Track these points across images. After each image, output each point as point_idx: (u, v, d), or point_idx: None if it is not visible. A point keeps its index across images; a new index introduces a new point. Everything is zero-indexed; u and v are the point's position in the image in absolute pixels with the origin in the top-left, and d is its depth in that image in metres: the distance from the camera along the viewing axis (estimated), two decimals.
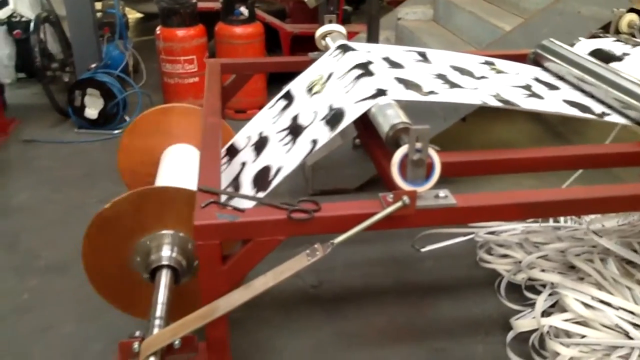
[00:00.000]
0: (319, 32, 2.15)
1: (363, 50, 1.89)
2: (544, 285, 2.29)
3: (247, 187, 1.53)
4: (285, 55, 4.04)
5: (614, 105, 1.73)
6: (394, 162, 1.25)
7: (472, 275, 2.46)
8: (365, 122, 1.54)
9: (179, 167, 1.96)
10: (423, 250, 2.58)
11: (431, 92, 1.62)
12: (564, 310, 2.07)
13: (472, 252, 2.56)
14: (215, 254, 1.25)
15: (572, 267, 2.31)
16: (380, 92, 1.50)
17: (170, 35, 3.58)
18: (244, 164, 1.68)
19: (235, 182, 1.61)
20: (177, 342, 1.30)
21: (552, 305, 2.15)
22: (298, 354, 2.01)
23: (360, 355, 2.03)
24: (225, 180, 1.65)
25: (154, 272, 1.55)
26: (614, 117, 1.72)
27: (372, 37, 2.69)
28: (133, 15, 6.42)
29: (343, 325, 2.15)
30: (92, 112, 3.64)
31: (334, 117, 1.52)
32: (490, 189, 2.81)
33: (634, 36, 2.13)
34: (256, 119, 1.89)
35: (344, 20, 4.22)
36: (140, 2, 6.05)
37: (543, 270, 2.28)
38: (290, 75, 3.49)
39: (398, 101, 1.47)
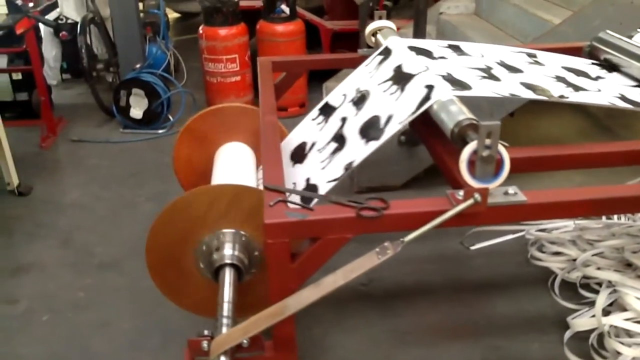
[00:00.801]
0: (369, 28, 2.14)
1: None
2: (599, 284, 2.25)
3: (353, 139, 1.56)
4: (326, 52, 4.05)
5: None
6: (462, 159, 1.24)
7: (523, 273, 2.43)
8: (425, 119, 1.53)
9: (234, 166, 1.98)
10: (472, 248, 2.56)
11: (561, 96, 1.61)
12: (623, 309, 2.03)
13: (522, 249, 2.53)
14: (284, 252, 1.26)
15: (629, 265, 2.26)
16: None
17: (213, 34, 3.61)
18: (344, 119, 1.70)
19: (338, 137, 1.63)
20: (245, 341, 1.31)
21: (610, 305, 2.11)
22: (353, 351, 2.02)
23: (415, 352, 2.03)
24: (326, 136, 1.69)
25: (218, 271, 1.56)
26: None
27: (419, 32, 2.67)
28: (171, 15, 6.51)
29: (396, 323, 2.14)
30: (137, 112, 3.71)
31: (452, 79, 1.54)
32: (541, 185, 2.76)
33: None
34: (350, 78, 1.89)
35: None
36: (179, 2, 6.13)
37: (599, 269, 2.24)
38: (330, 73, 3.52)
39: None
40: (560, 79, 1.77)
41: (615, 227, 2.44)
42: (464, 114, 1.35)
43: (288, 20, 3.68)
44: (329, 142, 1.68)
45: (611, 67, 1.94)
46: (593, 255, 2.29)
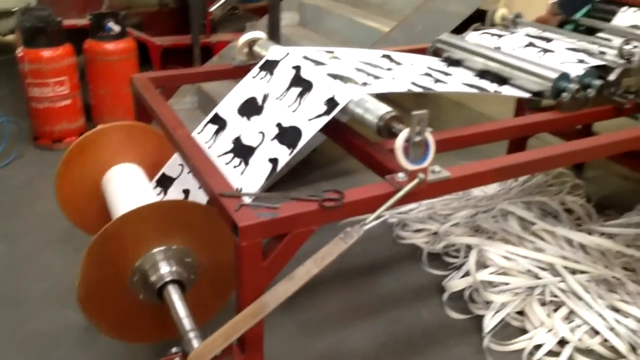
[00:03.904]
0: (241, 40, 2.21)
1: (287, 58, 1.91)
2: (457, 250, 2.62)
3: (263, 144, 1.59)
4: (156, 69, 3.97)
5: (510, 81, 2.08)
6: (398, 146, 1.41)
7: (395, 252, 2.71)
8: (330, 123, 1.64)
9: (131, 187, 1.92)
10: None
11: (365, 84, 1.76)
12: (485, 266, 2.40)
13: (388, 232, 2.82)
14: (257, 252, 1.30)
15: (476, 231, 2.68)
16: (333, 105, 1.58)
17: (37, 56, 3.31)
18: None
19: (239, 148, 1.65)
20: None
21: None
22: (274, 347, 2.06)
23: (329, 338, 2.17)
24: (223, 148, 1.69)
25: (161, 291, 1.53)
26: (509, 91, 2.05)
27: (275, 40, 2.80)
28: None
29: (304, 317, 2.26)
30: None
31: (289, 136, 1.58)
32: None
33: (507, 27, 2.54)
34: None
35: (211, 29, 4.25)
36: None
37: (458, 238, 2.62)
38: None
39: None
40: (360, 70, 2.00)
41: (469, 200, 2.86)
42: (383, 109, 1.53)
43: (118, 38, 3.54)
44: (288, 89, 1.72)
45: (453, 62, 2.29)
46: (451, 225, 2.67)
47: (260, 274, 1.33)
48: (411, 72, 2.02)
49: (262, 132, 1.66)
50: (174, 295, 1.51)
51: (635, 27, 2.54)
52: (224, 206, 1.33)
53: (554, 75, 1.95)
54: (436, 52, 2.36)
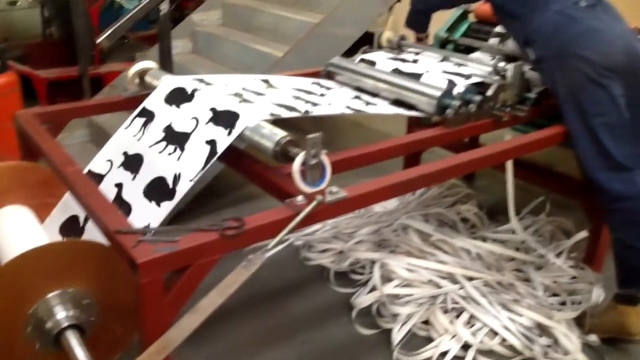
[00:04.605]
0: (132, 70, 2.17)
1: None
2: (362, 267, 2.69)
3: (139, 203, 1.57)
4: (43, 104, 3.78)
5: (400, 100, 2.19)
6: (295, 169, 1.44)
7: (302, 274, 2.73)
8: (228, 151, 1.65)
9: (19, 230, 1.81)
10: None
11: (306, 112, 1.85)
12: (389, 279, 2.48)
13: (295, 254, 2.84)
14: (158, 288, 1.27)
15: (380, 246, 2.76)
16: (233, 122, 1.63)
17: None
18: (120, 185, 1.68)
19: (119, 204, 1.61)
20: None
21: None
22: None
23: None
24: None
25: (58, 338, 1.45)
26: (389, 109, 2.13)
27: (167, 68, 2.77)
28: None
29: (214, 348, 2.22)
30: None
31: (225, 118, 1.62)
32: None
33: (393, 48, 2.66)
34: (111, 142, 1.85)
35: (101, 60, 4.12)
36: None
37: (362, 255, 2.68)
38: None
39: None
40: (297, 97, 2.09)
41: (371, 217, 2.94)
42: (279, 134, 1.55)
43: None
44: (159, 142, 1.70)
45: (344, 84, 2.37)
46: (355, 243, 2.73)
47: (163, 310, 1.30)
48: (286, 95, 2.06)
49: (195, 118, 1.68)
50: (73, 341, 1.43)
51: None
52: (121, 243, 1.30)
53: (438, 93, 2.07)
54: (329, 75, 2.43)
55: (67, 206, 1.85)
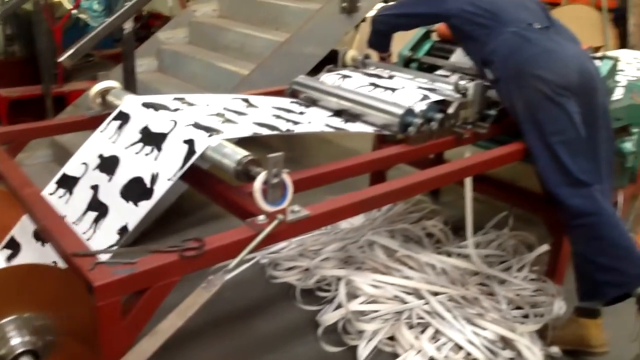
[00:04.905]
0: (93, 90, 2.15)
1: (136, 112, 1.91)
2: (328, 284, 2.69)
3: (116, 204, 1.57)
4: (5, 124, 3.71)
5: (362, 118, 2.21)
6: (256, 189, 1.44)
7: (268, 293, 2.71)
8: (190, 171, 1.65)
9: None
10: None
11: (288, 130, 1.89)
12: (355, 296, 2.48)
13: (261, 273, 2.82)
14: (115, 311, 1.25)
15: (346, 263, 2.77)
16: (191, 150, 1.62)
17: None
18: (96, 187, 1.67)
19: (96, 206, 1.62)
20: None
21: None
22: None
23: None
24: (77, 208, 1.65)
25: None
26: (354, 127, 2.15)
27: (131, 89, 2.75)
28: None
29: None
30: None
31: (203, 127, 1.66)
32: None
33: (357, 67, 2.70)
34: (85, 146, 1.85)
35: (64, 78, 4.06)
36: None
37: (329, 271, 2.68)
38: None
39: None
40: (277, 116, 2.11)
41: (337, 234, 2.95)
42: (241, 153, 1.55)
43: None
44: (84, 213, 1.67)
45: (310, 102, 2.38)
46: (322, 260, 2.73)
47: (121, 333, 1.28)
48: (260, 115, 2.08)
49: (174, 120, 1.69)
50: None
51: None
52: (78, 266, 1.28)
53: (401, 112, 2.10)
54: (293, 94, 2.44)
55: (25, 229, 1.82)
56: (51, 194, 1.80)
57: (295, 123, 2.04)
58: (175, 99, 2.11)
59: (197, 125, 1.72)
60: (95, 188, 1.71)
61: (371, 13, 3.30)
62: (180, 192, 2.92)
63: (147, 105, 1.93)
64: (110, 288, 1.23)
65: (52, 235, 1.42)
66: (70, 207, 1.71)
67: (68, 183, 1.80)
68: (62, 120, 2.89)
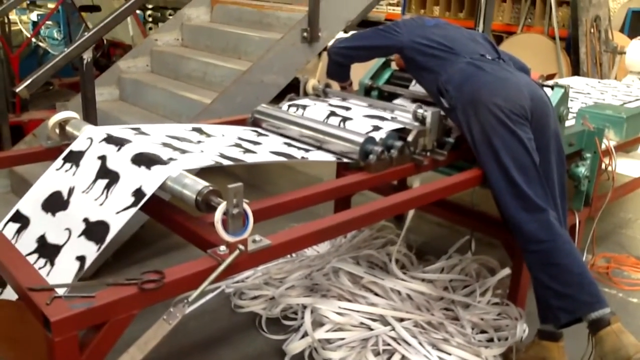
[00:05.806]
0: (52, 121, 2.12)
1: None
2: (295, 313, 2.68)
3: (128, 170, 1.61)
4: None
5: (323, 146, 2.24)
6: (217, 219, 1.43)
7: (233, 322, 2.69)
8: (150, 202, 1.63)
9: None
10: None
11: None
12: (321, 324, 2.47)
13: (226, 303, 2.79)
14: (73, 346, 1.22)
15: (312, 290, 2.76)
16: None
17: None
18: (103, 157, 1.69)
19: (105, 173, 1.65)
20: None
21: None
22: None
23: None
24: (86, 178, 1.70)
25: None
26: (317, 156, 2.19)
27: (90, 119, 2.72)
28: None
29: None
30: None
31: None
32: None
33: (318, 95, 2.73)
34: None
35: (22, 107, 3.99)
36: None
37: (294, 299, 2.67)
38: None
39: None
40: (236, 145, 2.11)
41: (303, 261, 2.94)
42: (200, 183, 1.55)
43: None
44: (94, 181, 1.68)
45: (271, 130, 2.40)
46: (287, 288, 2.72)
47: None
48: (220, 144, 2.07)
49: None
50: None
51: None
52: (34, 300, 1.25)
53: (361, 140, 2.13)
54: (255, 123, 2.46)
55: (32, 201, 1.78)
56: (57, 169, 1.83)
57: (251, 152, 2.04)
58: (131, 128, 2.09)
59: (147, 159, 1.68)
60: (103, 158, 1.74)
61: (331, 42, 3.35)
62: (142, 222, 2.88)
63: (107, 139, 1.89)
64: (67, 323, 1.20)
65: (6, 269, 1.38)
66: (79, 178, 1.73)
67: (74, 158, 1.82)
68: (19, 151, 2.83)
